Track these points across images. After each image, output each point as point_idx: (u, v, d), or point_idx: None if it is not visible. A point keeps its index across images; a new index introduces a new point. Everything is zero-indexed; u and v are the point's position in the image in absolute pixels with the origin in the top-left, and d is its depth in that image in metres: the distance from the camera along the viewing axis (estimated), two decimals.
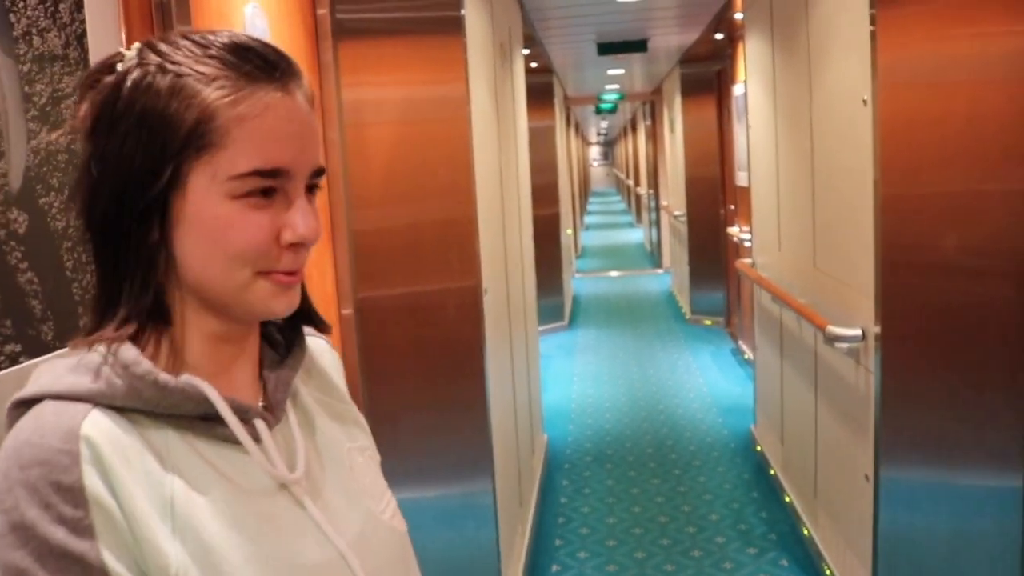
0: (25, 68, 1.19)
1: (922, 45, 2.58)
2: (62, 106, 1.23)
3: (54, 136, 1.19)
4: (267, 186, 0.79)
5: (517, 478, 3.82)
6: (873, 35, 2.61)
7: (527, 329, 4.68)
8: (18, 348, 1.14)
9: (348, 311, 2.68)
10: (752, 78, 5.01)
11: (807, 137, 3.65)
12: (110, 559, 0.71)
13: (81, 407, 0.75)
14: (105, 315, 0.81)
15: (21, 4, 1.18)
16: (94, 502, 0.71)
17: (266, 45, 0.82)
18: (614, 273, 14.14)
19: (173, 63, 0.78)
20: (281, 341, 0.95)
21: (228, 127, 0.77)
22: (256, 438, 0.84)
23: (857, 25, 2.80)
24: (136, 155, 0.77)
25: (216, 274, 0.80)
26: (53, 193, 1.22)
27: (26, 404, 0.76)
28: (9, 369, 1.12)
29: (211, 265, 0.80)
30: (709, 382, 7.09)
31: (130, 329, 0.79)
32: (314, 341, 1.02)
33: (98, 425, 0.74)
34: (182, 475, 0.77)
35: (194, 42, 0.80)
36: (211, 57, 0.79)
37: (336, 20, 2.62)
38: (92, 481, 0.71)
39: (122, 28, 1.42)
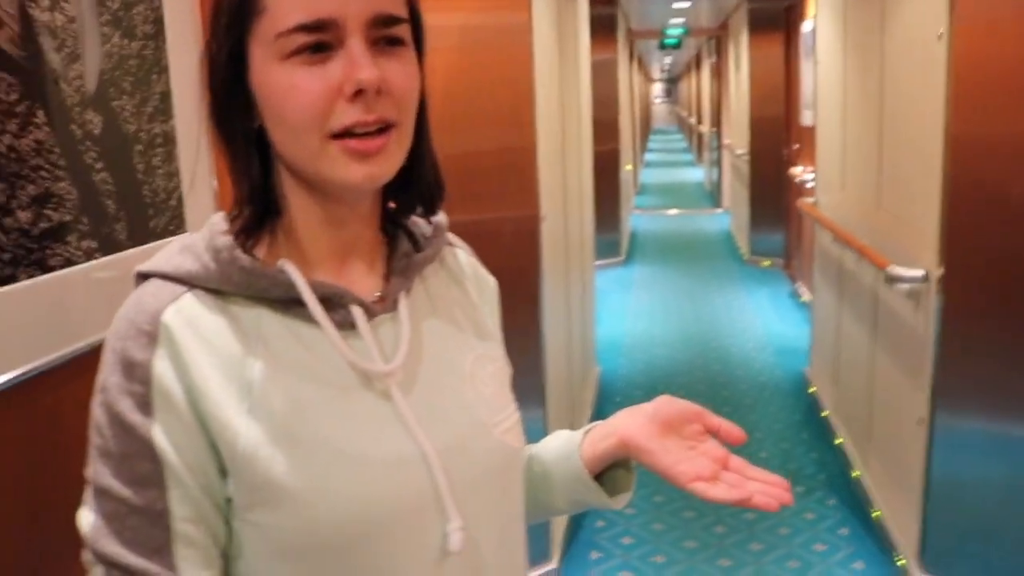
0: None
1: None
2: (134, 11, 1.25)
3: None
4: (316, 41, 0.76)
5: (569, 407, 3.86)
6: None
7: (583, 261, 4.68)
8: (94, 244, 1.18)
9: None
10: (822, 13, 4.87)
11: (877, 73, 3.55)
12: (159, 435, 0.76)
13: (177, 289, 0.80)
14: (238, 204, 0.84)
15: None
16: (157, 382, 0.76)
17: None
18: (673, 211, 14.02)
19: None
20: (425, 240, 0.94)
21: None
22: (351, 324, 0.84)
23: None
24: (212, 41, 0.80)
25: (291, 146, 0.80)
26: (125, 97, 1.24)
27: (144, 276, 0.82)
28: (87, 263, 1.16)
29: (285, 137, 0.80)
30: (764, 323, 7.03)
31: (242, 218, 0.82)
32: (467, 257, 1.03)
33: (183, 310, 0.79)
34: (269, 356, 0.80)
35: None
36: None
37: None
38: (161, 364, 0.77)
39: None
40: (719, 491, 0.90)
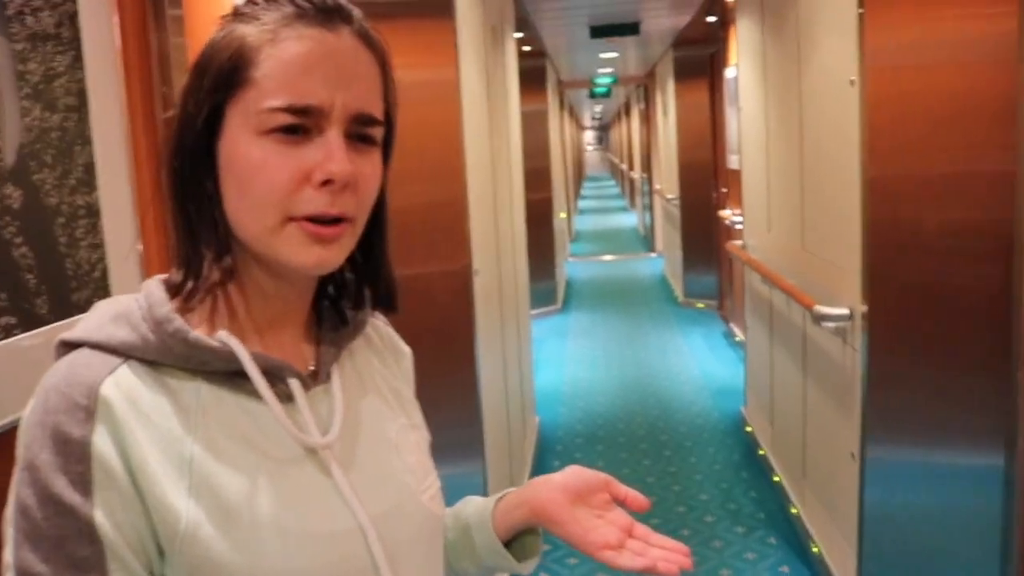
0: (18, 47, 1.20)
1: (909, 27, 2.60)
2: (55, 84, 1.25)
3: None
4: (297, 123, 0.77)
5: (508, 460, 3.85)
6: (861, 17, 2.63)
7: (519, 312, 4.71)
8: (13, 320, 1.16)
9: None
10: (743, 61, 5.02)
11: (796, 119, 3.67)
12: (100, 516, 0.73)
13: (111, 360, 0.77)
14: (182, 270, 0.82)
15: None
16: (98, 460, 0.73)
17: None
18: (608, 257, 14.17)
19: (240, 14, 0.80)
20: (351, 313, 0.95)
21: (261, 63, 0.78)
22: (288, 397, 0.84)
23: (845, 6, 2.82)
24: (188, 101, 0.80)
25: (248, 219, 0.80)
26: (46, 170, 1.24)
27: (68, 346, 0.79)
28: (4, 341, 1.15)
29: (245, 210, 0.80)
30: (701, 364, 7.12)
31: (191, 285, 0.81)
32: (384, 328, 1.04)
33: (121, 384, 0.76)
34: (208, 432, 0.79)
35: None
36: (271, 2, 0.80)
37: None
38: (100, 440, 0.74)
39: (115, 8, 1.43)
40: (625, 559, 0.93)
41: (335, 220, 0.80)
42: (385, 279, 0.93)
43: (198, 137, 0.80)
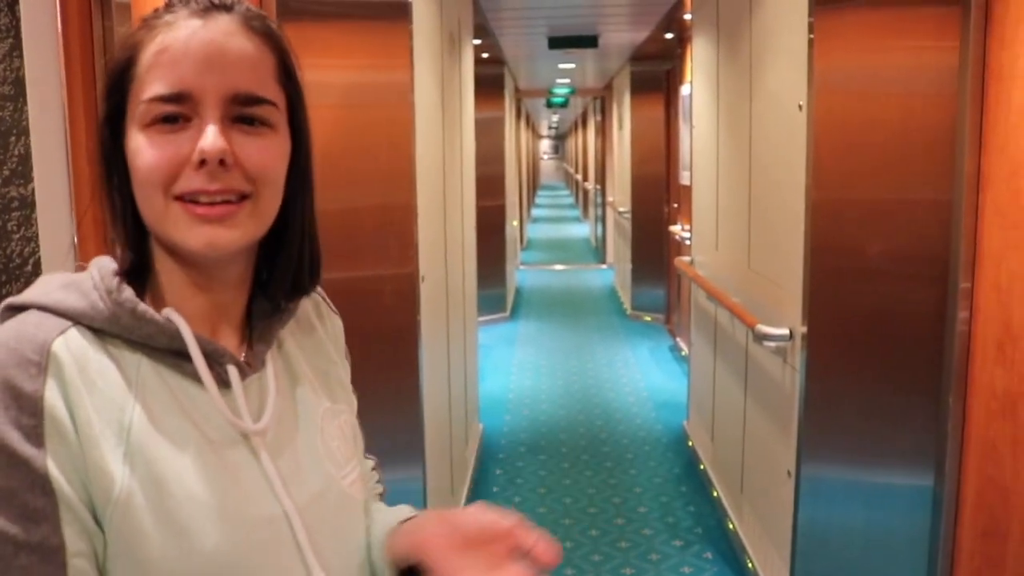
0: None
1: (857, 55, 2.65)
2: None
3: None
4: (173, 112, 0.80)
5: (449, 466, 3.85)
6: (811, 42, 2.67)
7: (465, 318, 4.71)
8: None
9: None
10: (697, 79, 5.08)
11: (746, 140, 3.72)
12: (54, 469, 0.74)
13: (61, 323, 0.79)
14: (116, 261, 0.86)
15: None
16: (49, 414, 0.75)
17: None
18: (559, 266, 14.21)
19: (146, 18, 0.84)
20: (282, 299, 0.96)
21: (143, 58, 0.81)
22: (226, 383, 0.86)
23: (796, 32, 2.87)
24: (101, 103, 0.83)
25: (144, 206, 0.83)
26: None
27: (15, 309, 0.81)
28: None
29: (140, 199, 0.83)
30: (646, 377, 7.17)
31: (124, 264, 0.85)
32: (318, 301, 1.06)
33: (70, 344, 0.78)
34: (146, 404, 0.80)
35: None
36: (171, 5, 0.83)
37: (281, 0, 2.61)
38: (52, 395, 0.75)
39: None
40: None
41: (224, 201, 0.82)
42: (299, 257, 0.93)
43: (105, 137, 0.83)
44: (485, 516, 0.91)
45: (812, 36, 2.66)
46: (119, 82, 0.82)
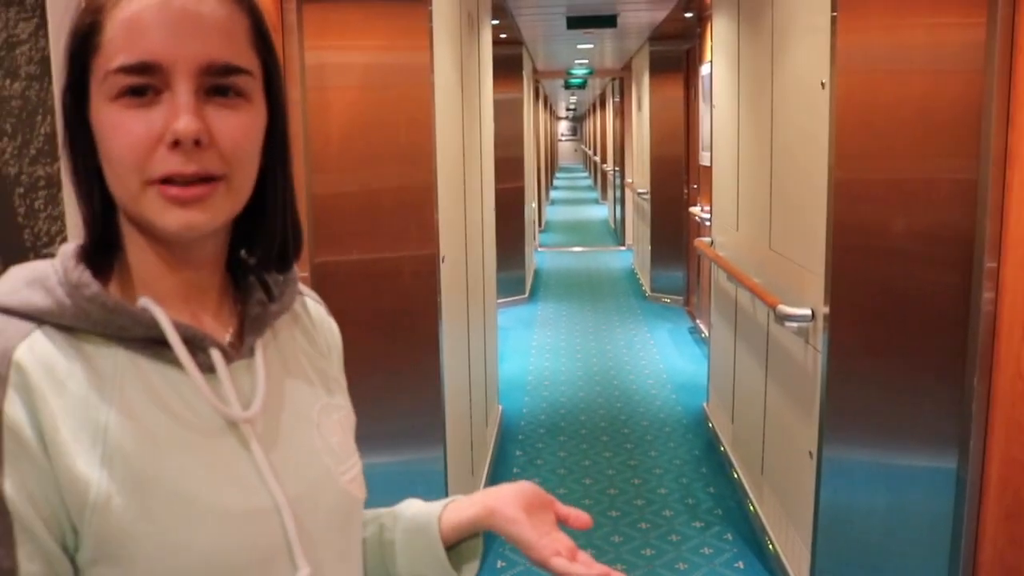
0: None
1: (881, 32, 2.62)
2: (17, 52, 1.23)
3: None
4: (140, 83, 0.75)
5: (469, 447, 3.86)
6: (834, 20, 2.65)
7: (485, 299, 4.71)
8: None
9: (304, 275, 2.69)
10: (718, 58, 5.04)
11: (767, 119, 3.69)
12: (9, 489, 0.71)
13: (26, 326, 0.75)
14: (85, 238, 0.81)
15: None
16: (9, 429, 0.71)
17: None
18: (577, 248, 14.20)
19: None
20: (278, 290, 0.93)
21: (106, 28, 0.75)
22: (210, 368, 0.82)
23: (819, 9, 2.84)
24: (62, 73, 0.78)
25: (116, 186, 0.78)
26: (6, 139, 1.22)
27: None
28: None
29: (111, 177, 0.78)
30: (665, 359, 7.16)
31: (86, 248, 0.80)
32: (315, 305, 1.03)
33: (35, 349, 0.74)
34: (125, 400, 0.77)
35: None
36: None
37: None
38: (13, 408, 0.72)
39: None
40: (579, 568, 0.93)
41: (200, 180, 0.77)
42: (278, 235, 0.89)
43: (67, 109, 0.78)
44: (537, 489, 1.01)
45: (835, 13, 2.64)
46: (82, 49, 0.76)
